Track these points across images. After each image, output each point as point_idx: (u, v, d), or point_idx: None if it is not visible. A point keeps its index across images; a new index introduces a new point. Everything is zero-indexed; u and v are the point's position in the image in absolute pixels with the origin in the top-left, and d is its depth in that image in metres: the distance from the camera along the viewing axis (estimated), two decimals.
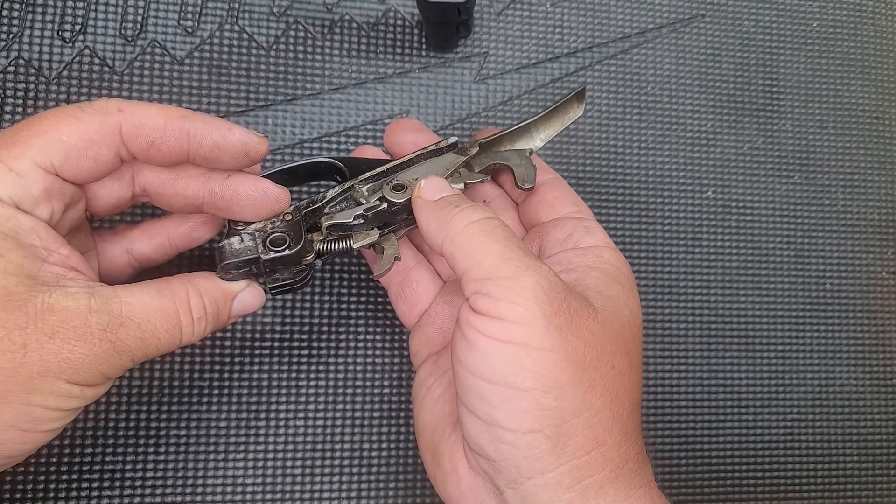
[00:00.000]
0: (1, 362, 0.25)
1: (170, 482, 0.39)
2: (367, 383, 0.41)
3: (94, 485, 0.38)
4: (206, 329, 0.31)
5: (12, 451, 0.28)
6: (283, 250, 0.31)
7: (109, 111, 0.28)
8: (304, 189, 0.42)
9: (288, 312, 0.41)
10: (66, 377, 0.26)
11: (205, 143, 0.29)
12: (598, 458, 0.28)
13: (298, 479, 0.40)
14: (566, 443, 0.27)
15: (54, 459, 0.38)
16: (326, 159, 0.35)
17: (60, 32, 0.41)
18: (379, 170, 0.34)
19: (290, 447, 0.40)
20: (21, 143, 0.28)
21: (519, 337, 0.27)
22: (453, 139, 0.36)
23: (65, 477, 0.38)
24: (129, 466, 0.38)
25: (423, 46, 0.44)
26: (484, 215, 0.30)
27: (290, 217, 0.32)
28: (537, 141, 0.39)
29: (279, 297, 0.41)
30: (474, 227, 0.30)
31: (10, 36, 0.40)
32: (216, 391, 0.40)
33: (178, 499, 0.39)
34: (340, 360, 0.41)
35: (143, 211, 0.40)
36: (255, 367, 0.40)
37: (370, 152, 0.39)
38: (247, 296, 0.32)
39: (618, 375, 0.29)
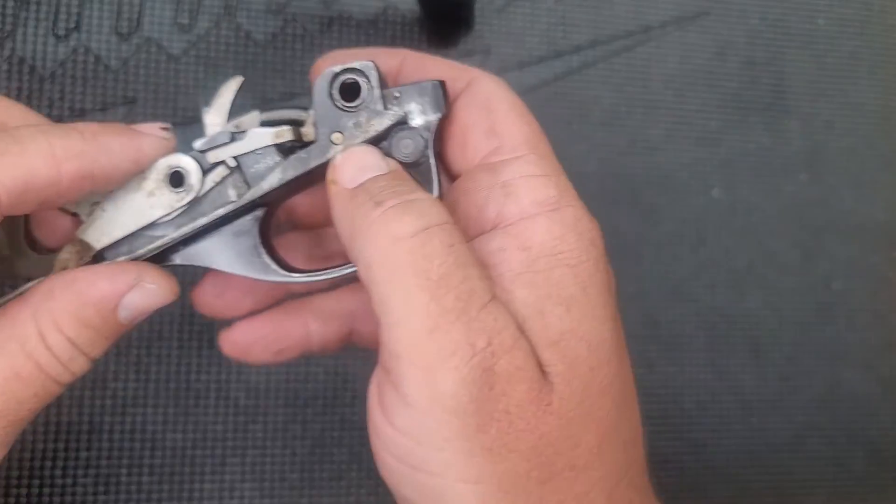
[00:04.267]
0: None
1: (166, 486, 0.38)
2: (366, 386, 0.41)
3: (90, 489, 0.38)
4: (89, 362, 0.23)
5: None
6: None
7: None
8: None
9: None
10: None
11: (114, 178, 0.23)
12: None
13: (297, 483, 0.40)
14: None
15: (49, 463, 0.37)
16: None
17: (54, 29, 0.40)
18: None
19: (288, 451, 0.40)
20: None
21: (431, 465, 0.20)
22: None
23: (59, 481, 0.37)
24: (124, 470, 0.38)
25: (423, 43, 0.43)
26: (417, 226, 0.20)
27: None
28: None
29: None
30: (400, 252, 0.20)
31: (4, 33, 0.40)
32: (213, 394, 0.39)
33: (175, 503, 0.38)
34: (340, 362, 0.41)
35: None
36: (253, 371, 0.40)
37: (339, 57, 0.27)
38: (135, 298, 0.23)
39: (584, 471, 0.21)
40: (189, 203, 0.24)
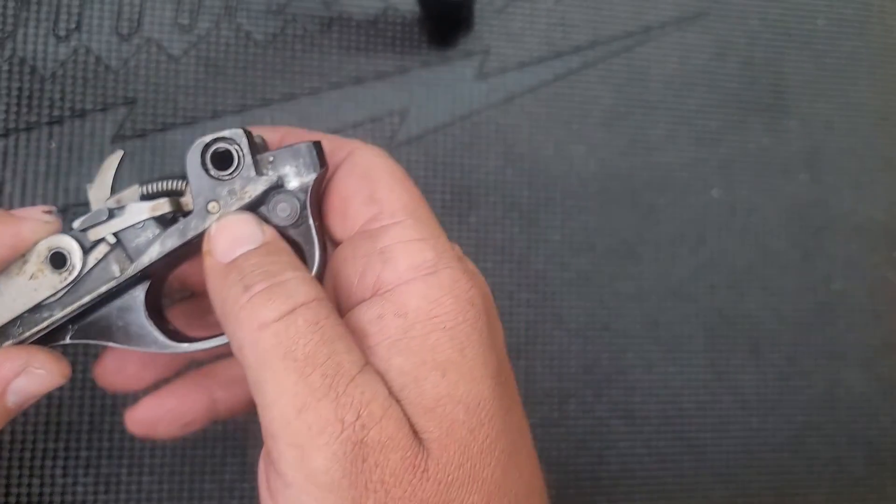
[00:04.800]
0: None
1: (166, 486, 0.38)
2: None
3: (90, 488, 0.38)
4: None
5: None
6: None
7: None
8: None
9: None
10: None
11: None
12: None
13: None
14: None
15: (49, 462, 0.37)
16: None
17: (55, 30, 0.40)
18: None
19: None
20: None
21: None
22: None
23: (60, 480, 0.37)
24: (124, 470, 0.38)
25: (423, 43, 0.43)
26: (283, 310, 0.21)
27: None
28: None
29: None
30: (266, 337, 0.21)
31: (4, 33, 0.40)
32: None
33: (175, 503, 0.38)
34: None
35: None
36: None
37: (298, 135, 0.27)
38: (23, 384, 0.23)
39: None
40: (73, 282, 0.24)
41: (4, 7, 0.40)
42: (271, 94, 0.41)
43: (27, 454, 0.37)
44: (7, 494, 0.37)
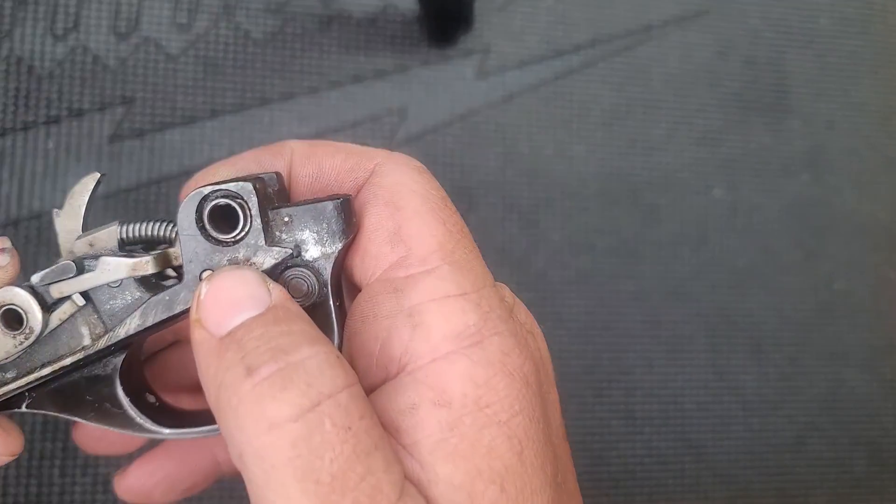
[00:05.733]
0: None
1: None
2: None
3: (88, 489, 0.37)
4: None
5: None
6: None
7: None
8: None
9: None
10: None
11: None
12: None
13: None
14: None
15: (47, 462, 0.37)
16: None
17: (53, 29, 0.40)
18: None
19: None
20: None
21: None
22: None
23: (58, 481, 0.37)
24: None
25: (423, 42, 0.43)
26: (302, 405, 0.15)
27: None
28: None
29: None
30: (279, 445, 0.15)
31: (2, 33, 0.39)
32: None
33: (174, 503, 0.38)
34: None
35: None
36: None
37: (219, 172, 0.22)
38: None
39: None
40: (29, 346, 0.19)
41: (1, 6, 0.39)
42: (270, 92, 0.41)
43: (24, 455, 0.37)
44: (4, 495, 0.37)
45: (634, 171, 0.45)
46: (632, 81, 0.46)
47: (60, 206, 0.20)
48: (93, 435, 0.24)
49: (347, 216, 0.19)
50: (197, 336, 0.17)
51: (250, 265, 0.18)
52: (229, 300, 0.17)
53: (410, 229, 0.19)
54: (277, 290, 0.18)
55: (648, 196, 0.45)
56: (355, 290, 0.20)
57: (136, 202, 0.37)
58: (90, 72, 0.40)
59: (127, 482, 0.24)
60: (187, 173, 0.40)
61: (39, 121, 0.39)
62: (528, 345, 0.18)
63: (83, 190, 0.20)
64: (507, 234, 0.43)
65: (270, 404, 0.15)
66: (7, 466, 0.37)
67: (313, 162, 0.21)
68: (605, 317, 0.44)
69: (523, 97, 0.44)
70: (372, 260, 0.19)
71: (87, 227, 0.20)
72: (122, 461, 0.24)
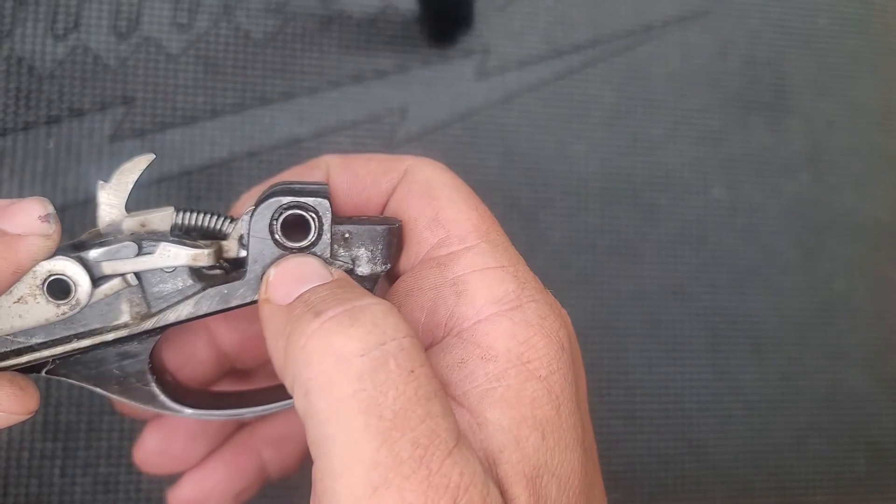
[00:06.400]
0: None
1: (165, 486, 0.38)
2: None
3: (88, 489, 0.37)
4: None
5: None
6: None
7: None
8: None
9: None
10: None
11: None
12: None
13: (296, 482, 0.39)
14: None
15: (48, 463, 0.37)
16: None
17: (53, 29, 0.40)
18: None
19: None
20: None
21: None
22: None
23: (58, 481, 0.37)
24: (123, 471, 0.38)
25: (423, 41, 0.43)
26: (369, 342, 0.16)
27: None
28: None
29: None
30: (345, 377, 0.16)
31: (2, 32, 0.39)
32: None
33: None
34: None
35: None
36: None
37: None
38: None
39: None
40: (71, 315, 0.20)
41: (2, 6, 0.39)
42: (270, 92, 0.41)
43: (25, 454, 0.37)
44: (5, 495, 0.37)
45: (635, 170, 0.45)
46: (632, 81, 0.46)
47: (96, 185, 0.21)
48: (155, 451, 0.25)
49: (399, 241, 0.21)
50: (265, 311, 0.19)
51: None
52: (296, 275, 0.19)
53: (447, 215, 0.20)
54: (338, 271, 0.20)
55: (649, 195, 0.45)
56: (395, 279, 0.21)
57: (136, 201, 0.37)
58: (91, 72, 0.40)
59: (183, 494, 0.25)
60: (187, 173, 0.40)
61: (40, 121, 0.39)
62: (561, 313, 0.20)
63: (134, 168, 0.21)
64: (508, 233, 0.43)
65: (338, 338, 0.16)
66: (7, 466, 0.37)
67: (349, 170, 0.22)
68: (605, 316, 0.44)
69: (523, 97, 0.44)
70: (414, 246, 0.21)
71: (127, 206, 0.21)
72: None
